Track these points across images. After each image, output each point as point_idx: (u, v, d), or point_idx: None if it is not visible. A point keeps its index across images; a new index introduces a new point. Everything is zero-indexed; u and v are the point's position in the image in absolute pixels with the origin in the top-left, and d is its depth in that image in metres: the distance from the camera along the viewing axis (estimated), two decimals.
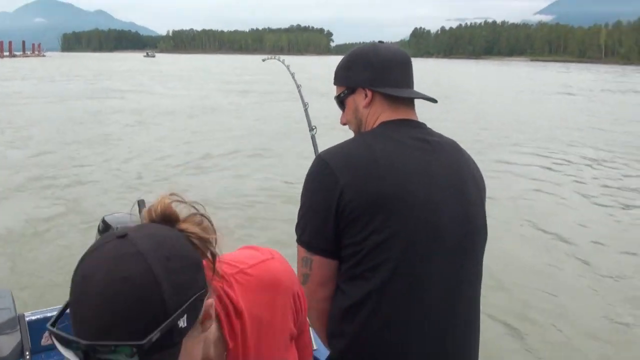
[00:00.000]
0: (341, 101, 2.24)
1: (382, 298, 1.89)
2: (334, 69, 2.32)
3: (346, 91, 2.21)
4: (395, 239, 1.87)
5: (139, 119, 24.16)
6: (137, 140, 18.96)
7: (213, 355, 1.27)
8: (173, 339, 1.01)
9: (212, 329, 1.21)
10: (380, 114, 2.13)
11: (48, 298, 6.68)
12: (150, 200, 1.23)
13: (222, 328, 1.29)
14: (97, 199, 11.44)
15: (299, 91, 4.31)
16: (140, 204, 2.74)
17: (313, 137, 3.71)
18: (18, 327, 2.57)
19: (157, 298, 0.98)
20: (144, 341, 0.96)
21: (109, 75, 66.66)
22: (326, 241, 1.94)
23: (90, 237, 5.20)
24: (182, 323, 1.01)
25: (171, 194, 1.19)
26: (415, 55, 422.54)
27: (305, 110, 4.02)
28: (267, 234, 9.45)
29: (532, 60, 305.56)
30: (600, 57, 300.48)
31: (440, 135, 2.14)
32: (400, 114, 2.11)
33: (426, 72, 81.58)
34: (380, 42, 2.25)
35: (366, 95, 2.14)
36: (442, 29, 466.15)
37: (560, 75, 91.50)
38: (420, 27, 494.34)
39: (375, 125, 2.12)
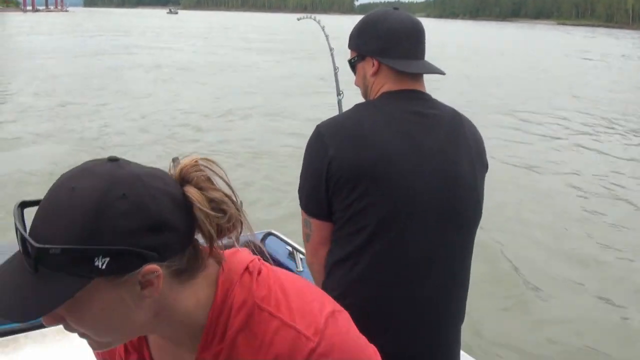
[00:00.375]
0: (352, 66, 2.31)
1: (359, 258, 2.02)
2: None
3: (357, 57, 2.26)
4: (375, 207, 1.98)
5: (163, 76, 24.69)
6: (160, 96, 19.16)
7: (187, 342, 1.14)
8: (78, 268, 0.96)
9: (182, 309, 1.09)
10: (384, 84, 2.17)
11: None
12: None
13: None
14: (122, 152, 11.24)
15: (332, 55, 4.27)
16: (175, 161, 2.60)
17: (339, 102, 3.70)
18: None
19: (83, 220, 0.95)
20: (40, 245, 0.94)
21: (131, 31, 66.78)
22: (320, 206, 2.09)
23: None
24: (99, 263, 0.96)
25: (204, 159, 1.12)
26: (441, 16, 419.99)
27: (336, 75, 3.98)
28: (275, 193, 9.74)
29: (559, 23, 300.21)
30: (628, 22, 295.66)
31: (441, 107, 2.17)
32: (404, 85, 2.14)
33: (448, 35, 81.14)
34: (395, 8, 2.23)
35: (373, 65, 2.17)
36: None
37: (583, 41, 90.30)
38: None
39: (377, 95, 2.18)
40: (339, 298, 1.62)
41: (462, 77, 25.22)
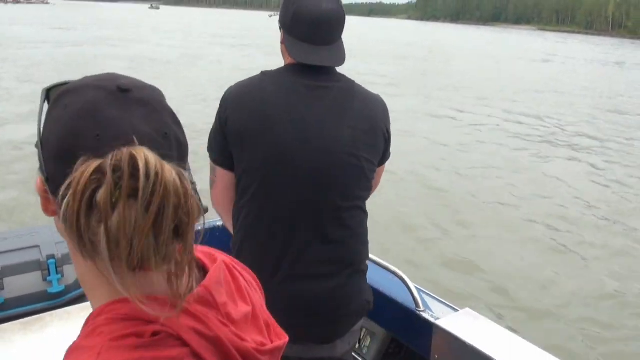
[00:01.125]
0: (279, 28, 2.37)
1: (246, 211, 2.24)
2: None
3: (280, 23, 2.34)
4: (252, 168, 2.17)
5: (135, 66, 25.35)
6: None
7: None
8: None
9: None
10: (288, 59, 2.29)
11: None
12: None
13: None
14: None
15: None
16: None
17: None
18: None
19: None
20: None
21: (109, 24, 67.85)
22: (223, 156, 2.25)
23: None
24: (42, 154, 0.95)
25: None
26: (422, 19, 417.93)
27: None
28: None
29: (539, 29, 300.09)
30: (607, 29, 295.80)
31: (334, 81, 2.25)
32: (307, 59, 2.20)
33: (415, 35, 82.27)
34: None
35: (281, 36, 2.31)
36: None
37: (555, 45, 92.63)
38: None
39: (285, 63, 2.31)
40: (243, 239, 2.23)
41: (414, 72, 26.73)
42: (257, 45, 44.51)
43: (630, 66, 54.22)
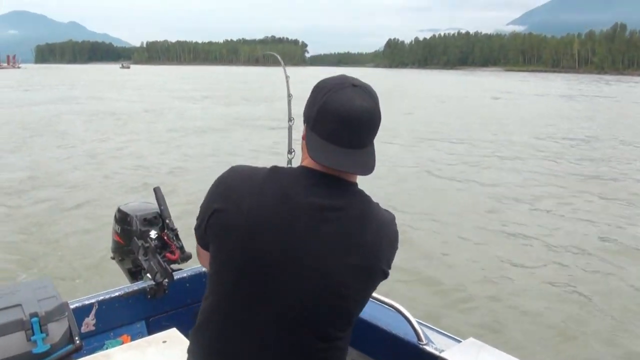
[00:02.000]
0: (303, 121, 2.05)
1: (206, 316, 2.04)
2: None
3: (304, 116, 2.05)
4: (224, 278, 1.95)
5: (95, 119, 27.05)
6: (89, 137, 21.31)
7: None
8: None
9: None
10: (307, 157, 1.96)
11: (74, 285, 7.24)
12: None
13: None
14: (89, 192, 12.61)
15: (287, 80, 4.12)
16: (157, 190, 3.36)
17: (290, 128, 3.70)
18: (66, 313, 2.62)
19: None
20: None
21: (77, 83, 69.48)
22: (202, 238, 2.06)
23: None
24: None
25: None
26: (390, 66, 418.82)
27: (289, 101, 3.91)
28: None
29: (506, 70, 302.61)
30: (574, 66, 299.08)
31: (350, 201, 1.94)
32: (323, 167, 1.90)
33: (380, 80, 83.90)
34: (354, 85, 1.92)
35: (304, 129, 2.01)
36: (416, 39, 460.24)
37: (514, 83, 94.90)
38: (395, 38, 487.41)
39: (301, 163, 2.03)
40: (201, 324, 2.05)
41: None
42: (217, 97, 46.44)
43: (575, 97, 57.23)
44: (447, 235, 10.50)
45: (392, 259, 2.03)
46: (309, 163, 1.96)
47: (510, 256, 9.39)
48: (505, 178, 15.81)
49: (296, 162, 3.15)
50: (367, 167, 1.89)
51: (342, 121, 1.85)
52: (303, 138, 2.02)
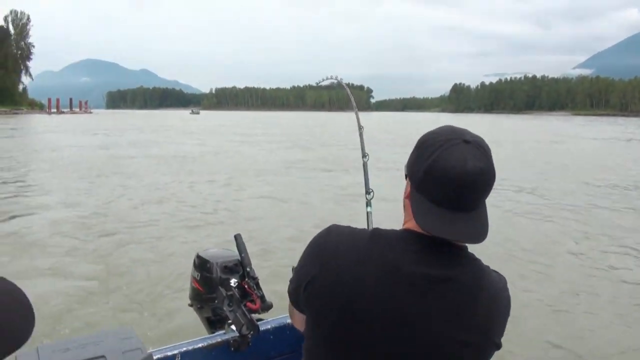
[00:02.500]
0: (405, 175, 1.88)
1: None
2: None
3: (406, 169, 1.87)
4: (324, 354, 1.83)
5: (160, 162, 28.23)
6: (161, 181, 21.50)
7: None
8: None
9: None
10: (412, 218, 1.79)
11: (151, 331, 6.99)
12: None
13: None
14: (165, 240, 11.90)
15: (356, 113, 4.04)
16: (238, 237, 3.30)
17: (365, 165, 3.56)
18: None
19: None
20: None
21: (146, 128, 71.08)
22: (297, 303, 1.94)
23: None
24: None
25: None
26: (456, 111, 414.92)
27: (360, 135, 3.78)
28: None
29: (573, 114, 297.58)
30: None
31: (466, 265, 1.78)
32: (440, 232, 1.70)
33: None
34: (466, 141, 1.70)
35: (408, 189, 1.84)
36: (482, 83, 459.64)
37: (574, 128, 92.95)
38: (460, 83, 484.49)
39: (405, 224, 1.86)
40: None
41: None
42: (279, 142, 46.87)
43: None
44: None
45: (504, 328, 1.85)
46: (414, 226, 1.77)
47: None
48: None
49: (376, 203, 3.55)
50: (480, 234, 1.70)
51: (454, 184, 1.66)
52: (406, 197, 1.84)
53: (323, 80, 4.60)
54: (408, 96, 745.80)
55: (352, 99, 4.32)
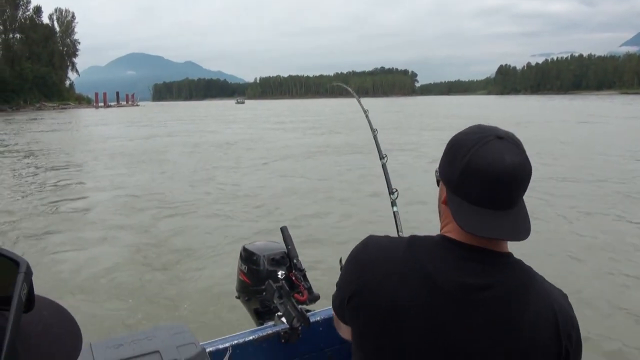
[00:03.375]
0: (436, 180, 1.84)
1: None
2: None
3: (438, 172, 1.82)
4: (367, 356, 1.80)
5: (197, 150, 28.77)
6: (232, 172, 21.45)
7: None
8: None
9: None
10: (449, 223, 1.75)
11: (205, 327, 6.85)
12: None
13: None
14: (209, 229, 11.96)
15: (367, 116, 4.07)
16: (284, 230, 3.30)
17: (384, 166, 3.55)
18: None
19: None
20: None
21: (195, 118, 72.44)
22: (342, 316, 1.94)
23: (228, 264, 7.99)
24: None
25: None
26: (502, 93, 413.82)
27: (375, 138, 3.78)
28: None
29: (621, 93, 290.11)
30: None
31: (503, 278, 1.67)
32: (468, 237, 1.68)
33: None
34: (499, 137, 1.64)
35: (444, 194, 1.77)
36: (528, 64, 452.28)
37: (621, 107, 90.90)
38: (506, 64, 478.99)
39: (441, 231, 1.81)
40: None
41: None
42: (315, 127, 47.66)
43: None
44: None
45: (572, 335, 1.70)
46: (452, 231, 1.73)
47: None
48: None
49: (401, 204, 3.61)
50: (525, 231, 1.64)
51: (492, 182, 1.60)
52: (442, 202, 1.78)
53: (335, 85, 4.82)
54: (453, 79, 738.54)
55: (362, 105, 4.39)
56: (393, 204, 3.38)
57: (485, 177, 1.59)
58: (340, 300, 1.88)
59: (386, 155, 3.64)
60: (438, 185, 1.83)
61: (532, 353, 1.63)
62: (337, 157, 24.85)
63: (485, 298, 1.63)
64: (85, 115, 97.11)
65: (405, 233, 3.02)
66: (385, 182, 3.58)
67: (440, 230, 1.81)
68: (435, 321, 1.64)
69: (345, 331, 1.98)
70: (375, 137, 3.83)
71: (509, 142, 1.64)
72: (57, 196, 16.57)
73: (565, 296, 1.76)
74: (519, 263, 1.72)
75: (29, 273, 0.62)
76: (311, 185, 17.74)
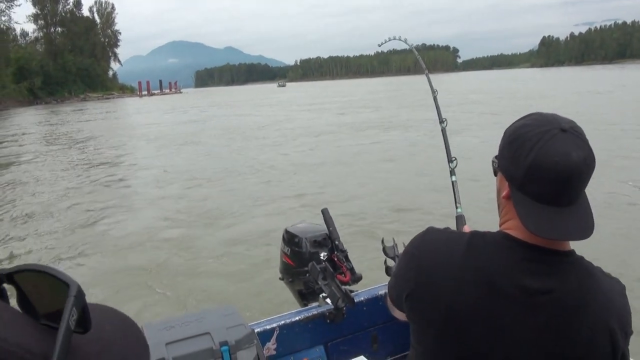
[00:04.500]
0: (494, 170, 1.80)
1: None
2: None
3: (497, 164, 1.76)
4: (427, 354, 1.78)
5: (226, 133, 29.30)
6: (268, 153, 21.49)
7: None
8: None
9: None
10: (510, 219, 1.70)
11: (251, 307, 6.84)
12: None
13: None
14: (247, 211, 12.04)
15: (427, 76, 3.92)
16: (325, 212, 3.36)
17: (443, 131, 3.41)
18: (254, 341, 2.61)
19: None
20: None
21: (237, 103, 72.90)
22: (400, 307, 1.89)
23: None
24: None
25: None
26: (546, 65, 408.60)
27: (435, 99, 3.62)
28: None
29: None
30: None
31: (565, 279, 1.62)
32: (530, 235, 1.61)
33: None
34: (563, 129, 1.56)
35: (506, 189, 1.70)
36: (572, 34, 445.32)
37: None
38: (549, 36, 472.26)
39: (501, 227, 1.76)
40: None
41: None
42: (345, 107, 47.71)
43: None
44: None
45: (624, 340, 1.66)
46: (514, 228, 1.68)
47: None
48: None
49: (461, 170, 3.47)
50: (588, 228, 1.58)
51: (561, 180, 1.55)
52: (504, 197, 1.71)
53: (386, 41, 4.41)
54: (495, 53, 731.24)
55: (421, 60, 4.17)
56: (452, 172, 3.19)
57: (552, 175, 1.54)
58: (397, 294, 1.87)
59: (446, 120, 3.42)
60: (495, 175, 1.79)
61: (593, 355, 1.61)
62: (384, 134, 24.85)
63: (546, 302, 1.59)
64: (129, 103, 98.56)
65: (462, 206, 3.03)
66: (444, 149, 3.35)
67: (500, 225, 1.76)
68: (495, 323, 1.62)
69: (399, 314, 1.96)
70: (435, 99, 3.61)
71: (573, 135, 1.57)
72: (103, 178, 17.44)
73: (623, 292, 1.72)
74: (581, 261, 1.68)
75: (79, 296, 0.61)
76: (352, 162, 17.72)
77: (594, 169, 1.59)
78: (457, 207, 3.00)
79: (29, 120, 56.56)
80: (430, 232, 1.84)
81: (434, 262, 1.73)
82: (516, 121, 1.70)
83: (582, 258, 1.69)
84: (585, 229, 1.56)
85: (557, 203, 1.57)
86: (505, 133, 1.71)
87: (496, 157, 1.76)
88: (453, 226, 2.59)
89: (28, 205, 14.12)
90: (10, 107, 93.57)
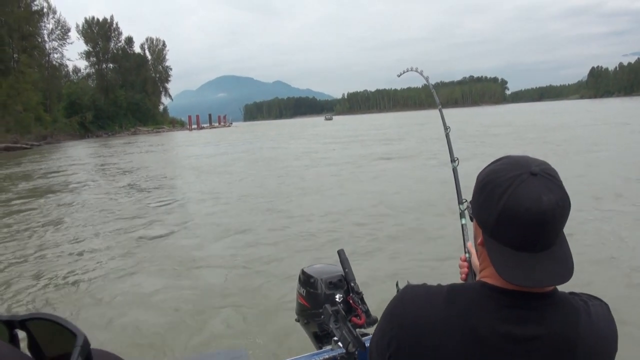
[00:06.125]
0: (469, 216, 1.81)
1: None
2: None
3: (471, 209, 1.75)
4: None
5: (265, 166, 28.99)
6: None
7: None
8: None
9: None
10: (487, 267, 1.68)
11: (265, 348, 6.77)
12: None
13: None
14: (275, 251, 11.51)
15: (440, 111, 3.98)
16: (341, 253, 3.30)
17: (455, 170, 3.38)
18: None
19: None
20: None
21: (281, 136, 72.76)
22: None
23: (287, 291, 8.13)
24: None
25: None
26: (595, 96, 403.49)
27: (447, 136, 3.64)
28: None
29: None
30: None
31: (549, 324, 1.58)
32: (525, 281, 1.54)
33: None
34: (533, 173, 1.56)
35: (480, 235, 1.70)
36: (620, 64, 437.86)
37: None
38: (598, 66, 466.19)
39: (479, 276, 1.76)
40: None
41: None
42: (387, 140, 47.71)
43: None
44: None
45: None
46: (491, 276, 1.66)
47: None
48: None
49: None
50: (569, 271, 1.55)
51: (531, 226, 1.53)
52: (479, 244, 1.71)
53: (404, 72, 4.47)
54: (544, 85, 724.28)
55: (435, 95, 4.15)
56: (461, 215, 3.03)
57: (524, 221, 1.53)
58: (379, 354, 1.77)
59: (457, 159, 3.35)
60: (471, 220, 1.78)
61: None
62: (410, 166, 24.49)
63: (533, 349, 1.57)
64: (178, 137, 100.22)
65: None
66: (455, 189, 3.25)
67: (479, 273, 1.77)
68: None
69: None
70: (447, 136, 3.56)
71: (544, 178, 1.56)
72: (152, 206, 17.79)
73: (607, 314, 1.70)
74: (564, 301, 1.64)
75: (85, 346, 0.63)
76: (368, 198, 17.35)
77: (569, 211, 1.57)
78: (465, 253, 2.76)
79: (81, 152, 59.50)
80: (409, 289, 1.79)
81: (416, 319, 1.67)
82: (487, 166, 1.70)
83: (565, 296, 1.66)
84: (562, 273, 1.54)
85: (531, 249, 1.55)
86: (477, 179, 1.70)
87: (470, 202, 1.76)
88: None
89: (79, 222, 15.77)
90: (62, 141, 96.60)
